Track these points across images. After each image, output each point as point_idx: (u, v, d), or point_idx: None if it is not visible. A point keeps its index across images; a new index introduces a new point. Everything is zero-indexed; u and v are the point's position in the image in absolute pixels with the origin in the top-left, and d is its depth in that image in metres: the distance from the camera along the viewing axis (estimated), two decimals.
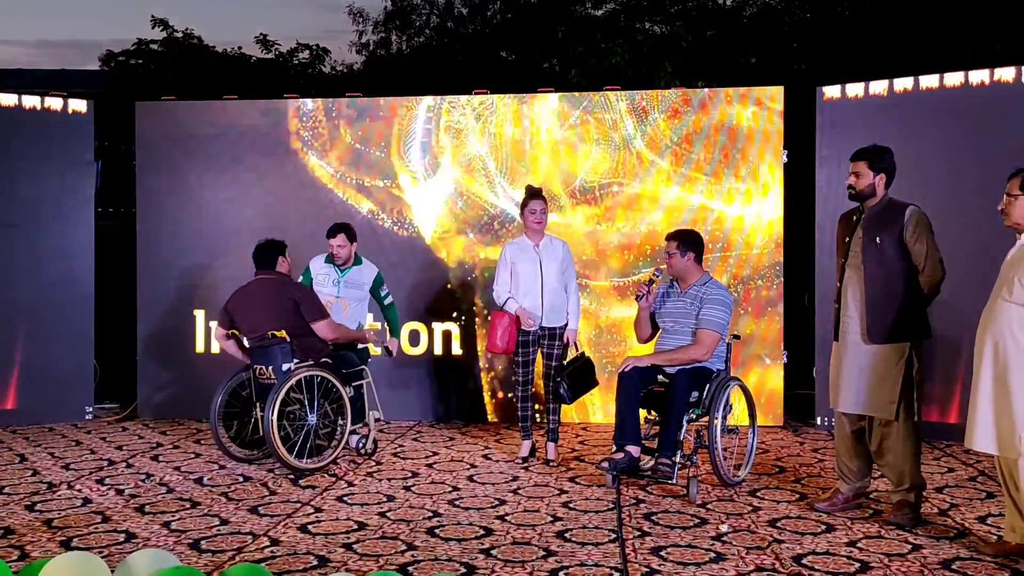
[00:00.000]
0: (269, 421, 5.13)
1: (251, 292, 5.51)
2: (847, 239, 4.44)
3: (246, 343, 5.58)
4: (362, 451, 5.69)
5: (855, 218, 4.45)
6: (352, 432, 5.57)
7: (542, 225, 5.57)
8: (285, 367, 5.34)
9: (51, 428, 6.78)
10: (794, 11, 10.38)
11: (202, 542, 4.04)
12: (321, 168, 7.16)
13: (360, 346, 5.92)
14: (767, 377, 6.70)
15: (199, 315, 7.19)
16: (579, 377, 5.39)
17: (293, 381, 5.26)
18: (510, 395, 6.95)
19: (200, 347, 7.19)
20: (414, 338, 7.11)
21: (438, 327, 7.11)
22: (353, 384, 5.65)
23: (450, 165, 7.08)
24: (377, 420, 5.86)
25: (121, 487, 5.02)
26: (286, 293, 5.45)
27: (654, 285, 5.12)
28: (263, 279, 5.54)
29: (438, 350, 7.09)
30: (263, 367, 5.41)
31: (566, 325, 5.60)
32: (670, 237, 5.13)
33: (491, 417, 7.03)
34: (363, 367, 5.81)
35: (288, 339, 5.35)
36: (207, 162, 7.24)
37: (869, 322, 4.28)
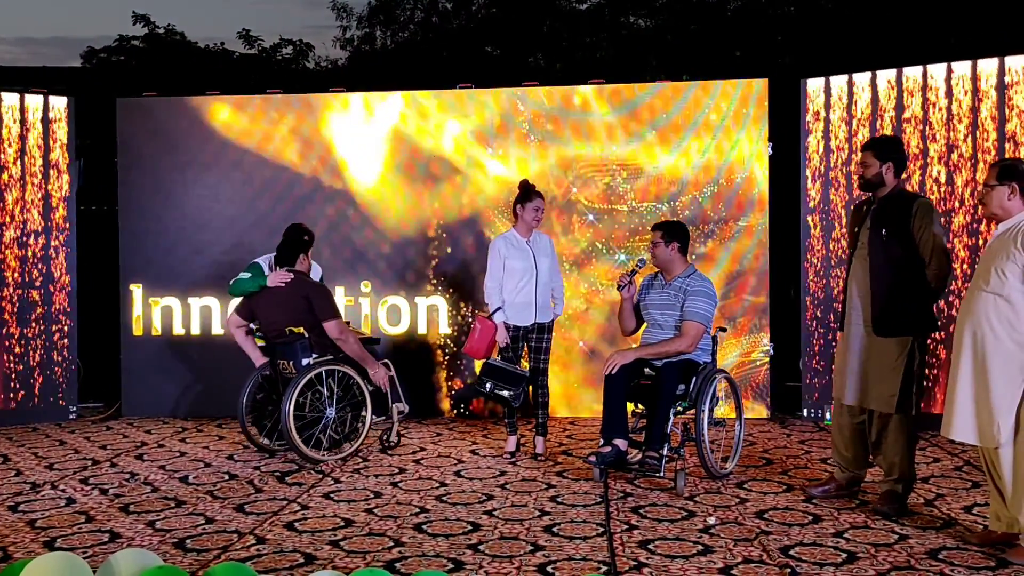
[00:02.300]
0: (286, 414, 5.26)
1: (270, 288, 5.60)
2: (856, 229, 4.43)
3: (254, 340, 5.80)
4: (387, 444, 5.83)
5: (865, 208, 4.44)
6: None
7: (540, 223, 5.57)
8: (305, 362, 5.49)
9: (35, 428, 6.72)
10: (778, 4, 10.39)
11: (187, 541, 4.01)
12: (302, 162, 7.11)
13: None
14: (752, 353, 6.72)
15: (176, 303, 7.15)
16: (506, 376, 5.37)
17: (311, 375, 5.41)
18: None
19: (180, 329, 7.14)
20: (393, 315, 7.08)
21: (422, 302, 7.03)
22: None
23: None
24: (401, 413, 5.92)
25: (105, 487, 4.98)
26: (300, 291, 5.55)
27: (636, 275, 5.11)
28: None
29: (422, 329, 7.03)
30: (286, 362, 5.58)
31: (553, 320, 5.61)
32: (656, 227, 5.13)
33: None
34: (386, 360, 5.92)
35: (306, 335, 5.49)
36: (189, 158, 7.18)
37: (873, 314, 4.28)
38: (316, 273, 6.12)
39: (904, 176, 4.54)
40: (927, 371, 6.16)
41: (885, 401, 4.26)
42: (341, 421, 5.57)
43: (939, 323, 5.16)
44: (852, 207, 4.62)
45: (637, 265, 5.16)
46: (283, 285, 5.57)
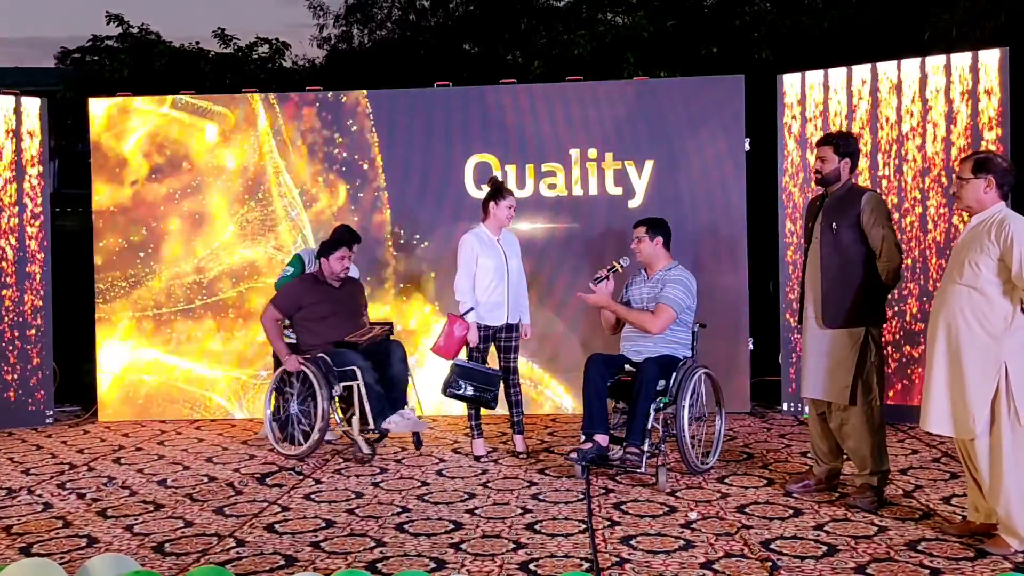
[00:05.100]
0: (267, 417, 5.66)
1: None
2: (810, 225, 4.51)
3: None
4: (359, 455, 5.49)
5: (819, 204, 4.51)
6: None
7: (511, 220, 5.53)
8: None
9: (11, 433, 6.64)
10: (755, 0, 10.41)
11: (166, 545, 3.97)
12: (280, 161, 7.06)
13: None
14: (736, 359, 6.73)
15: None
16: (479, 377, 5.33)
17: (280, 372, 5.65)
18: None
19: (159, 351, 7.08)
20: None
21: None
22: (344, 383, 5.45)
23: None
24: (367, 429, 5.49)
25: (83, 491, 4.93)
26: None
27: (616, 272, 5.10)
28: None
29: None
30: None
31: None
32: (638, 224, 5.16)
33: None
34: (353, 367, 5.38)
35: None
36: (163, 158, 7.11)
37: (824, 307, 4.35)
38: (354, 273, 6.04)
39: (857, 171, 4.63)
40: (908, 364, 6.21)
41: (839, 393, 4.32)
42: (305, 413, 5.55)
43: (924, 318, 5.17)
44: (807, 203, 4.69)
45: (620, 263, 5.14)
46: None
